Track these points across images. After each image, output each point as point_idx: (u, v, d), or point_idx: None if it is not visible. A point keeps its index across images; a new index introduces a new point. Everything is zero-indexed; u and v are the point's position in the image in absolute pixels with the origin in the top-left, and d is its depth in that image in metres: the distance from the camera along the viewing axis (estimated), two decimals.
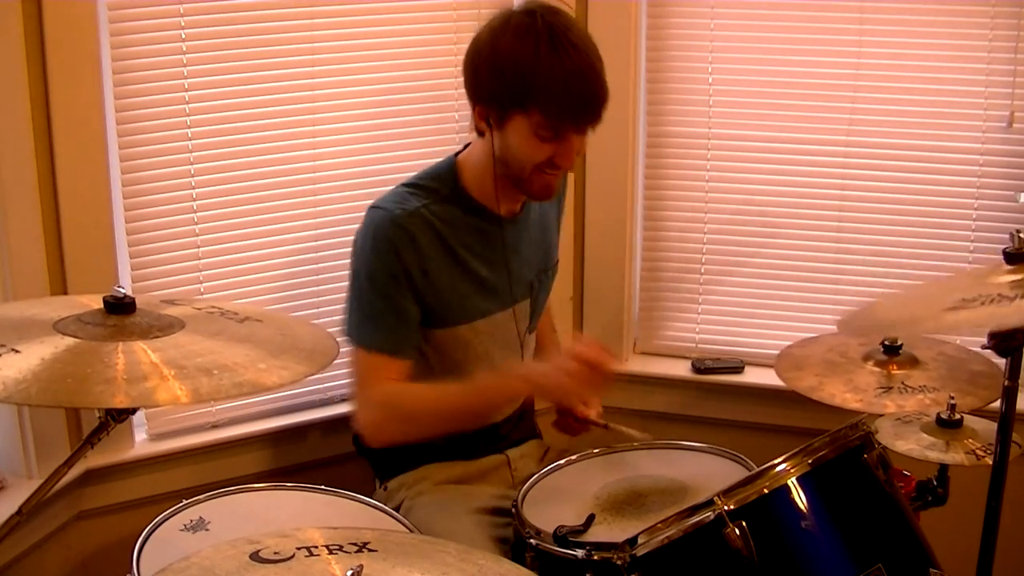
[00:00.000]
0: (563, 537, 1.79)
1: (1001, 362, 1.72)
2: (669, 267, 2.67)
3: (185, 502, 1.87)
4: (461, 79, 2.03)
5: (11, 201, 2.01)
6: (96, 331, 1.44)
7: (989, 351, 1.72)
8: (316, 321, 2.29)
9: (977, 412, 1.96)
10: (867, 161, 2.49)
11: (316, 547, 1.30)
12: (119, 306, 1.48)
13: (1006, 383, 1.72)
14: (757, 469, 1.69)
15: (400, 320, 2.01)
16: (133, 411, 1.46)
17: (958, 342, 2.13)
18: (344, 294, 2.08)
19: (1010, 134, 2.39)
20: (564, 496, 1.97)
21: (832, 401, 1.94)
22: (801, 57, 2.49)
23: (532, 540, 1.82)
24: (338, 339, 1.70)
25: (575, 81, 1.91)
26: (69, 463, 1.51)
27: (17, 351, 1.37)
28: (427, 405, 2.03)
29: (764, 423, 2.54)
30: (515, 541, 1.91)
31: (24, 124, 2.00)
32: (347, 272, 2.07)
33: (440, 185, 2.07)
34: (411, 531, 1.86)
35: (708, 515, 1.61)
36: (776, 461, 1.68)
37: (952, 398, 1.93)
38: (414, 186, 2.07)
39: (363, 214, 2.05)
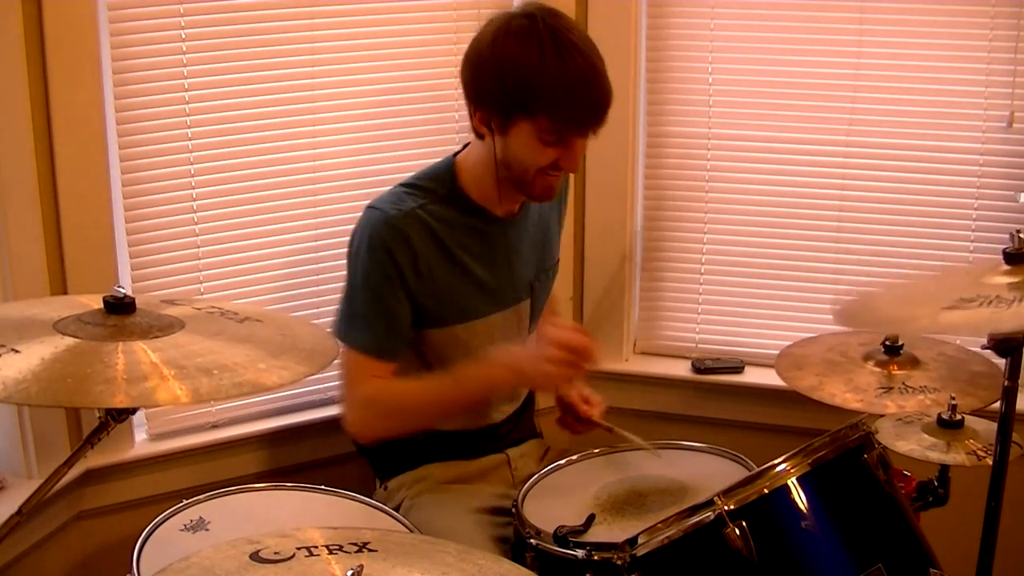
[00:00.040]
0: (563, 537, 1.79)
1: (1001, 362, 1.73)
2: (669, 267, 2.67)
3: (185, 502, 1.87)
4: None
5: (11, 201, 2.01)
6: (96, 331, 1.44)
7: (989, 351, 1.72)
8: (316, 321, 2.29)
9: (978, 412, 1.96)
10: (867, 161, 2.49)
11: (316, 547, 1.30)
12: (119, 306, 1.48)
13: (1006, 383, 1.72)
14: (757, 469, 1.69)
15: (389, 323, 2.02)
16: (133, 411, 1.46)
17: (958, 342, 2.13)
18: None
19: (1010, 134, 2.39)
20: (564, 496, 1.97)
21: (832, 401, 1.93)
22: (801, 57, 2.49)
23: (532, 540, 1.82)
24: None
25: (582, 87, 1.91)
26: (69, 463, 1.51)
27: (17, 351, 1.37)
28: (412, 399, 2.04)
29: (764, 423, 2.54)
30: (515, 541, 1.91)
31: (24, 124, 2.00)
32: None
33: (438, 185, 2.07)
34: (411, 531, 1.86)
35: (708, 515, 1.61)
36: (776, 461, 1.68)
37: (953, 398, 1.93)
38: (411, 186, 2.07)
39: None
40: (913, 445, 1.95)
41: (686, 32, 2.54)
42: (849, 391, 1.95)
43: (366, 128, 2.40)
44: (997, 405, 1.76)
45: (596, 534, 1.82)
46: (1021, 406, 1.83)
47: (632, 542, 1.66)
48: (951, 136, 2.43)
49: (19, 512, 1.47)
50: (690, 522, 1.63)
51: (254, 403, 2.37)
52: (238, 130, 2.27)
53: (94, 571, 2.25)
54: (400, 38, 2.39)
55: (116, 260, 2.15)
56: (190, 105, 2.20)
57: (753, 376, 2.60)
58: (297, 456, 2.40)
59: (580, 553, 1.75)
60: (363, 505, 1.94)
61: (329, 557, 1.28)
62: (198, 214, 2.25)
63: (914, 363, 2.02)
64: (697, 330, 2.68)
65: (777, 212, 2.57)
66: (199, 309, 1.62)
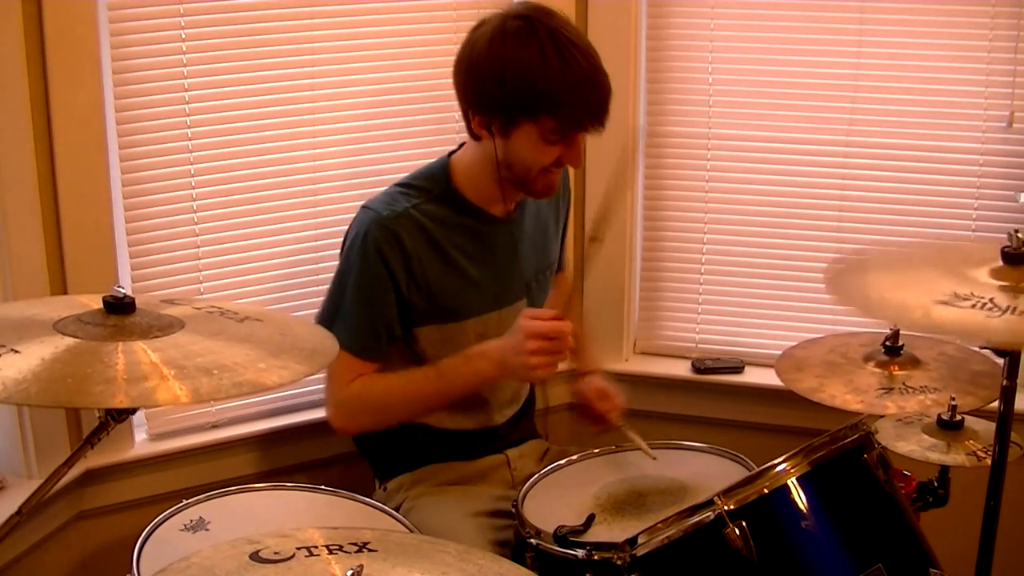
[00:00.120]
0: (563, 537, 1.79)
1: (1002, 361, 1.73)
2: (669, 267, 2.67)
3: (185, 502, 1.87)
4: None
5: (11, 201, 2.01)
6: (96, 331, 1.44)
7: (988, 350, 1.72)
8: None
9: (978, 412, 1.96)
10: (867, 161, 2.49)
11: (316, 547, 1.30)
12: (119, 306, 1.47)
13: (1004, 383, 1.72)
14: (757, 469, 1.69)
15: (374, 324, 2.02)
16: (133, 411, 1.45)
17: (958, 340, 2.13)
18: None
19: (1010, 134, 2.39)
20: (564, 496, 1.97)
21: (833, 403, 1.93)
22: (801, 57, 2.49)
23: (532, 540, 1.82)
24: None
25: (585, 86, 1.91)
26: (69, 463, 1.51)
27: (17, 351, 1.36)
28: (397, 394, 2.06)
29: (764, 423, 2.54)
30: (515, 542, 1.91)
31: (24, 124, 2.00)
32: None
33: (432, 185, 2.07)
34: (411, 531, 1.86)
35: (708, 515, 1.61)
36: (776, 461, 1.68)
37: (953, 399, 1.93)
38: (406, 186, 2.07)
39: None
40: (913, 446, 1.94)
41: (686, 32, 2.54)
42: (849, 392, 1.95)
43: (366, 128, 2.40)
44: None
45: (596, 534, 1.82)
46: (1020, 406, 1.83)
47: (632, 542, 1.66)
48: (951, 136, 2.43)
49: (19, 512, 1.47)
50: (690, 522, 1.63)
51: (254, 403, 2.37)
52: (238, 130, 2.27)
53: (94, 571, 2.25)
54: (400, 38, 2.39)
55: (116, 260, 2.15)
56: (190, 105, 2.20)
57: (753, 376, 2.60)
58: (297, 456, 2.40)
59: (580, 553, 1.75)
60: (363, 505, 1.94)
61: (329, 557, 1.28)
62: (198, 214, 2.25)
63: (915, 363, 2.02)
64: (697, 330, 2.68)
65: (777, 212, 2.57)
66: (199, 309, 1.62)
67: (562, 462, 2.11)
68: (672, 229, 2.65)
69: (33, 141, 2.01)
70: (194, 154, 2.22)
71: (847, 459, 1.72)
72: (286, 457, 2.39)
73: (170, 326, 1.49)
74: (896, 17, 2.41)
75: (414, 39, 2.40)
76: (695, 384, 2.63)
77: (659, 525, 1.65)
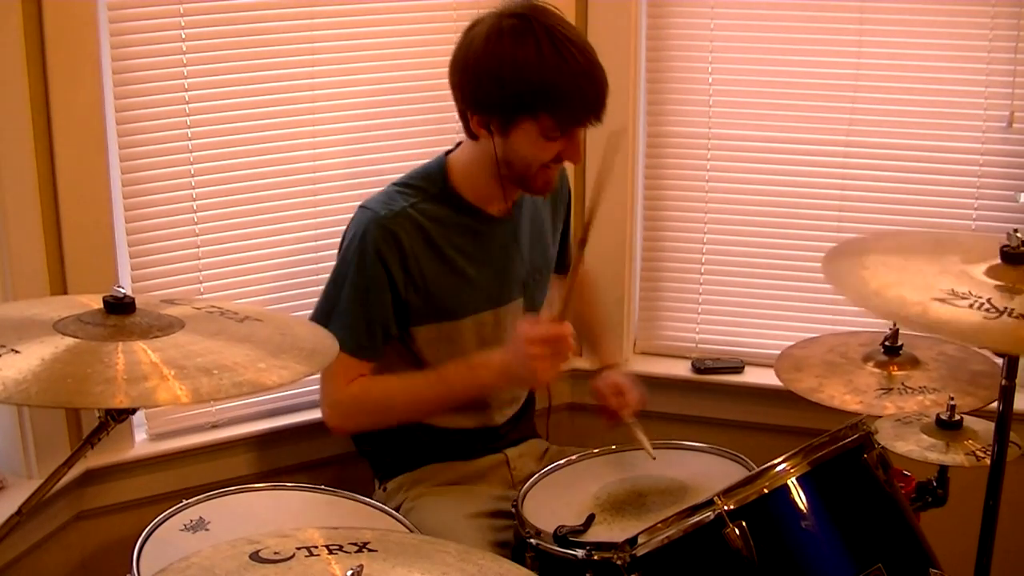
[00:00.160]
0: (563, 537, 1.79)
1: (1001, 361, 1.73)
2: (669, 267, 2.67)
3: (185, 502, 1.87)
4: None
5: (11, 201, 2.01)
6: (96, 331, 1.44)
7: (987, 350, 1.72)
8: None
9: (977, 412, 1.96)
10: (867, 161, 2.49)
11: (316, 547, 1.30)
12: (119, 306, 1.47)
13: (1003, 383, 1.72)
14: (757, 469, 1.69)
15: (370, 324, 2.02)
16: (133, 411, 1.45)
17: (957, 342, 2.13)
18: None
19: (1010, 134, 2.39)
20: (564, 496, 1.97)
21: (832, 403, 1.93)
22: (801, 57, 2.49)
23: (532, 540, 1.82)
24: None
25: (584, 82, 1.91)
26: (69, 463, 1.51)
27: (17, 351, 1.37)
28: (397, 397, 2.06)
29: (764, 423, 2.54)
30: (515, 542, 1.91)
31: (24, 124, 2.00)
32: None
33: (429, 184, 2.07)
34: (411, 531, 1.86)
35: (708, 515, 1.61)
36: (776, 461, 1.68)
37: (952, 399, 1.93)
38: (404, 185, 2.08)
39: None
40: (912, 446, 1.94)
41: (686, 32, 2.54)
42: (849, 392, 1.95)
43: (366, 128, 2.40)
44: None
45: (596, 534, 1.82)
46: (1019, 406, 1.83)
47: (632, 542, 1.66)
48: (951, 136, 2.43)
49: (19, 512, 1.47)
50: (690, 522, 1.63)
51: (254, 403, 2.37)
52: (238, 130, 2.27)
53: (94, 571, 2.25)
54: (400, 38, 2.39)
55: (116, 260, 2.15)
56: (190, 105, 2.20)
57: (753, 376, 2.60)
58: (297, 456, 2.40)
59: (580, 553, 1.75)
60: (363, 505, 1.94)
61: (329, 557, 1.28)
62: (198, 214, 2.25)
63: (914, 363, 2.02)
64: (697, 330, 2.68)
65: (777, 212, 2.57)
66: (199, 309, 1.62)
67: (562, 462, 2.11)
68: (672, 229, 2.65)
69: (33, 141, 2.01)
70: (194, 154, 2.22)
71: (847, 459, 1.72)
72: (286, 457, 2.39)
73: (170, 326, 1.49)
74: (896, 17, 2.41)
75: (414, 39, 2.40)
76: (695, 384, 2.63)
77: (659, 525, 1.65)
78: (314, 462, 2.40)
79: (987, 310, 1.55)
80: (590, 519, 1.85)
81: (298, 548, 1.29)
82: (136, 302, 1.49)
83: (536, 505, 1.94)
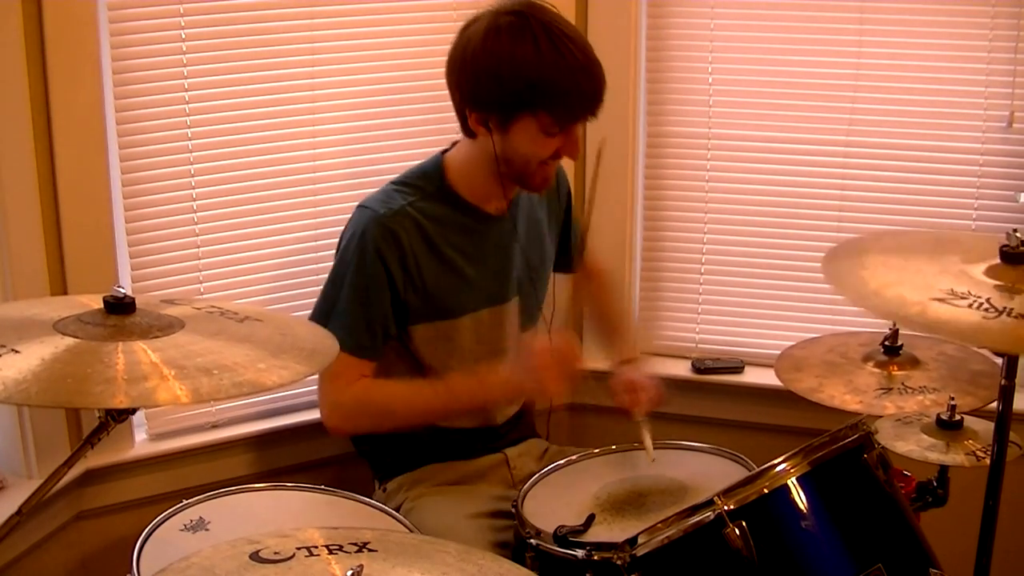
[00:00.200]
0: (563, 537, 1.79)
1: (1000, 361, 1.73)
2: (669, 267, 2.67)
3: (185, 502, 1.87)
4: None
5: (11, 201, 2.01)
6: (96, 331, 1.44)
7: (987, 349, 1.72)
8: None
9: (977, 412, 1.96)
10: (867, 161, 2.49)
11: (316, 547, 1.30)
12: (119, 306, 1.47)
13: (1003, 383, 1.72)
14: (757, 469, 1.69)
15: (370, 323, 2.02)
16: (133, 411, 1.45)
17: (956, 341, 2.13)
18: None
19: (1010, 134, 2.39)
20: (564, 496, 1.97)
21: (832, 403, 1.93)
22: (801, 57, 2.49)
23: (532, 540, 1.82)
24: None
25: (582, 77, 1.92)
26: (69, 463, 1.51)
27: (17, 351, 1.37)
28: (398, 401, 2.06)
29: (764, 423, 2.54)
30: (515, 542, 1.91)
31: (24, 124, 2.00)
32: None
33: (426, 183, 2.07)
34: (411, 531, 1.86)
35: (708, 515, 1.61)
36: (776, 461, 1.68)
37: (952, 399, 1.93)
38: (401, 184, 2.08)
39: None
40: (912, 446, 1.94)
41: (686, 32, 2.54)
42: (848, 392, 1.95)
43: (366, 128, 2.40)
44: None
45: (596, 534, 1.82)
46: (1019, 405, 1.83)
47: (632, 542, 1.66)
48: (951, 136, 2.43)
49: (19, 512, 1.47)
50: (690, 522, 1.63)
51: (254, 403, 2.37)
52: (238, 130, 2.27)
53: (94, 571, 2.25)
54: (400, 38, 2.39)
55: (116, 260, 2.15)
56: (190, 105, 2.20)
57: (753, 376, 2.60)
58: (297, 456, 2.40)
59: (580, 553, 1.75)
60: (363, 505, 1.94)
61: (329, 557, 1.28)
62: (198, 214, 2.25)
63: (914, 363, 2.02)
64: (697, 330, 2.68)
65: (777, 212, 2.57)
66: (199, 309, 1.62)
67: (562, 462, 2.11)
68: (672, 229, 2.65)
69: (33, 141, 2.02)
70: (194, 154, 2.22)
71: (847, 459, 1.72)
72: (286, 457, 2.39)
73: (170, 326, 1.49)
74: (896, 17, 2.41)
75: (414, 39, 2.40)
76: (695, 384, 2.63)
77: (659, 525, 1.65)
78: (314, 462, 2.40)
79: (986, 310, 1.55)
80: (590, 519, 1.85)
81: (298, 548, 1.29)
82: (136, 302, 1.49)
83: (536, 505, 1.94)
